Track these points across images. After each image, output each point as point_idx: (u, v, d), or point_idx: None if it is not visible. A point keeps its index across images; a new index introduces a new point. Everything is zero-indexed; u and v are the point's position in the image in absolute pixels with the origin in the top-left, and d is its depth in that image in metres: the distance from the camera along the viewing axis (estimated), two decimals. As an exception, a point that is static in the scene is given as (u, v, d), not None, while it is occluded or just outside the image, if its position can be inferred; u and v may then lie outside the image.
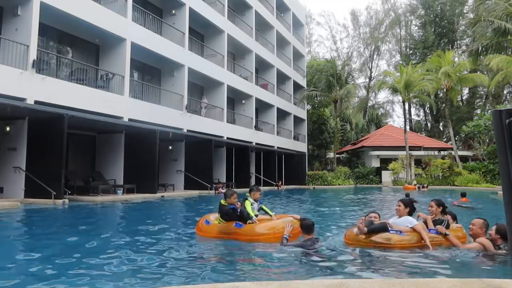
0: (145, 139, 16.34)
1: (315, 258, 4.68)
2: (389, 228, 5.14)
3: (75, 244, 5.63)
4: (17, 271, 4.15)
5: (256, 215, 6.01)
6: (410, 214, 5.47)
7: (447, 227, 5.30)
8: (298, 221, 5.84)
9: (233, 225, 5.90)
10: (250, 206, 6.00)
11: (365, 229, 5.12)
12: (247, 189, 6.54)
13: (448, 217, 5.76)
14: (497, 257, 4.64)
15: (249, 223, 5.76)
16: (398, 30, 57.41)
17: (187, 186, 19.62)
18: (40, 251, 5.12)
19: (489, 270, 4.24)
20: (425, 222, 5.46)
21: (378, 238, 5.07)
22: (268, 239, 5.61)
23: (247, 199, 6.11)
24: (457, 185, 26.83)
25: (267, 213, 6.33)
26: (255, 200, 6.22)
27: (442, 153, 36.33)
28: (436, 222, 5.39)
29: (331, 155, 40.81)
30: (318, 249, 5.02)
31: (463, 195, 13.49)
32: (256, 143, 26.78)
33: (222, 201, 6.21)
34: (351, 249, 5.17)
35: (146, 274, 3.92)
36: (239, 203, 6.13)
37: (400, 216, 5.48)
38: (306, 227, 5.33)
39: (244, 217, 5.86)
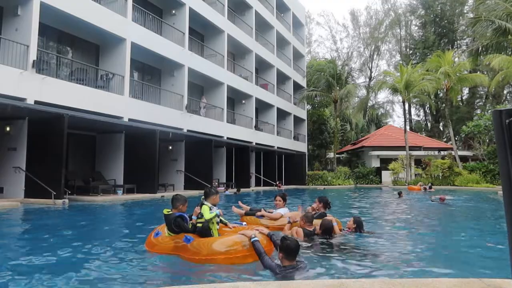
0: (145, 139, 16.34)
1: None
2: (256, 214, 7.06)
3: (66, 245, 5.57)
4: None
5: (218, 223, 4.89)
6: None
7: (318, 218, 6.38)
8: (266, 236, 4.60)
9: (181, 239, 4.66)
10: (209, 212, 4.74)
11: (245, 210, 7.31)
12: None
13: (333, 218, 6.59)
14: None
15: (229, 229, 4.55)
16: (398, 30, 57.42)
17: (187, 186, 19.62)
18: (24, 251, 5.12)
19: (489, 270, 4.24)
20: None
21: (247, 219, 6.99)
22: (229, 260, 4.23)
23: (203, 204, 4.83)
24: (457, 185, 26.78)
25: (224, 224, 5.13)
26: (214, 206, 4.92)
27: (442, 153, 36.28)
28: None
29: (331, 155, 40.79)
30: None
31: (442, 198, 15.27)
32: (256, 143, 26.77)
33: (166, 211, 4.95)
34: (347, 250, 5.21)
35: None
36: (182, 206, 5.07)
37: (279, 208, 7.14)
38: (287, 249, 3.64)
39: (204, 229, 4.66)
